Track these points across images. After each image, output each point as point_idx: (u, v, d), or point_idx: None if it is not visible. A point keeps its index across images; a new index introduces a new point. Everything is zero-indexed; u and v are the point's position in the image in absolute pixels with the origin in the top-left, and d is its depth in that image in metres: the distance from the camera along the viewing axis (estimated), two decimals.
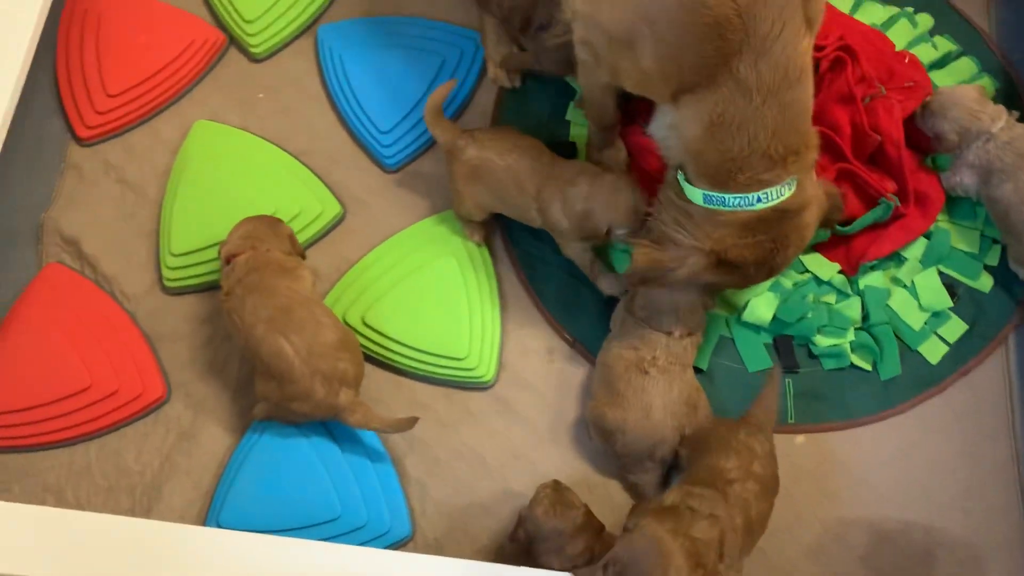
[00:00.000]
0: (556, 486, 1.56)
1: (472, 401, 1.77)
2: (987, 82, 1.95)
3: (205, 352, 1.80)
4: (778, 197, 1.41)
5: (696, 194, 1.45)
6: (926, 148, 1.85)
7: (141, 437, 1.75)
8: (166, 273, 1.83)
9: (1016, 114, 1.77)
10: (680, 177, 1.49)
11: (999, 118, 1.73)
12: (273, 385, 1.58)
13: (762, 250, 1.46)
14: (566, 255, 1.75)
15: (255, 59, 2.04)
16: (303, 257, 1.75)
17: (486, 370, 1.74)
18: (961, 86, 1.84)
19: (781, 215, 1.43)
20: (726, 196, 1.41)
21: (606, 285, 1.75)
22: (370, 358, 1.76)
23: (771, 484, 1.53)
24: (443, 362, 1.75)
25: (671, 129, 1.46)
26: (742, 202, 1.41)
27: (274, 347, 1.55)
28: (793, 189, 1.42)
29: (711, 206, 1.44)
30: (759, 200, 1.41)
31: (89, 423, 1.72)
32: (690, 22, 1.29)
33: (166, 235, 1.85)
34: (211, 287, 1.82)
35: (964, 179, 1.76)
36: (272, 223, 1.71)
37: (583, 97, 1.74)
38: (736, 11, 1.27)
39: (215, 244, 1.78)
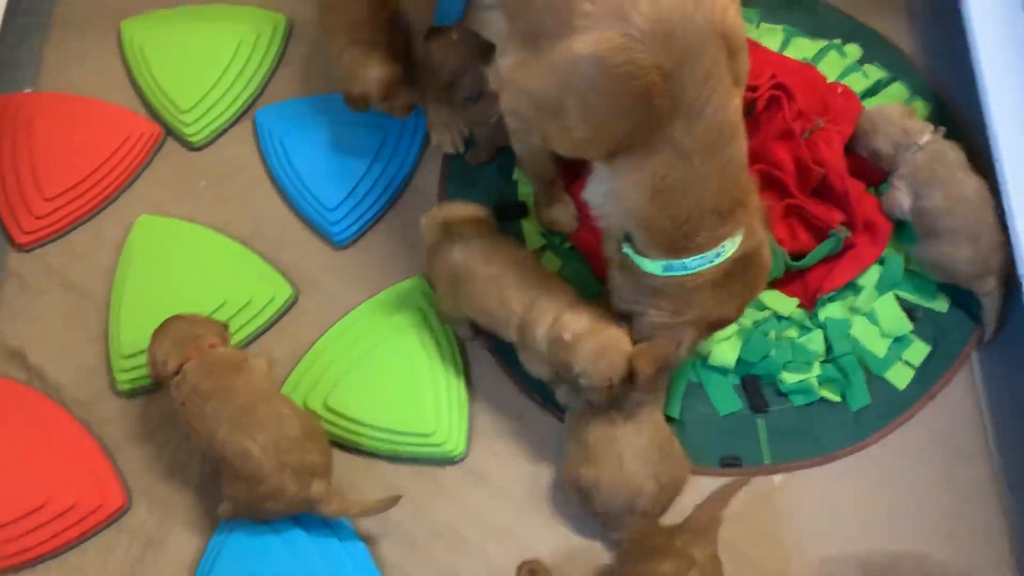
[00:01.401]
0: (531, 573, 1.52)
1: (445, 476, 1.73)
2: (920, 105, 1.98)
3: (164, 453, 1.75)
4: (733, 247, 1.41)
5: (655, 266, 1.43)
6: (869, 177, 1.87)
7: (105, 550, 1.68)
8: (118, 376, 1.78)
9: (943, 129, 1.82)
10: (629, 251, 1.47)
11: (925, 131, 1.79)
12: (242, 486, 1.53)
13: (741, 297, 1.48)
14: (525, 366, 1.66)
15: (194, 148, 2.02)
16: (226, 327, 1.71)
17: (456, 443, 1.71)
18: (887, 104, 1.90)
19: (745, 262, 1.44)
20: (686, 261, 1.40)
21: (563, 396, 1.68)
22: (335, 442, 1.71)
23: None
24: (411, 439, 1.71)
25: (611, 196, 1.44)
26: (702, 262, 1.40)
27: (239, 448, 1.51)
28: (742, 233, 1.43)
29: (672, 274, 1.42)
30: (717, 256, 1.41)
31: (47, 542, 1.64)
32: (618, 92, 1.29)
33: (115, 337, 1.81)
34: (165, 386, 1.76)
35: (898, 195, 1.79)
36: (191, 318, 1.67)
37: (520, 159, 1.73)
38: (663, 78, 1.27)
39: None
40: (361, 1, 1.88)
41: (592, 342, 1.50)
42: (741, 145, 1.38)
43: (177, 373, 1.59)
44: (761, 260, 1.46)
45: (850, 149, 1.87)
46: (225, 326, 1.70)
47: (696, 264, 1.40)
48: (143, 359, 1.76)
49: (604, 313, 1.55)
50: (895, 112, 1.84)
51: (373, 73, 1.80)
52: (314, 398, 1.74)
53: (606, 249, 1.54)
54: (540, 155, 1.65)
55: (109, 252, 1.92)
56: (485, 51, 1.84)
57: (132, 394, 1.79)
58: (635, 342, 1.51)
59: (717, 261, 1.40)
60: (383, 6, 1.86)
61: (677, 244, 1.40)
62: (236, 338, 1.81)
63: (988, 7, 1.86)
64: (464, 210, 1.72)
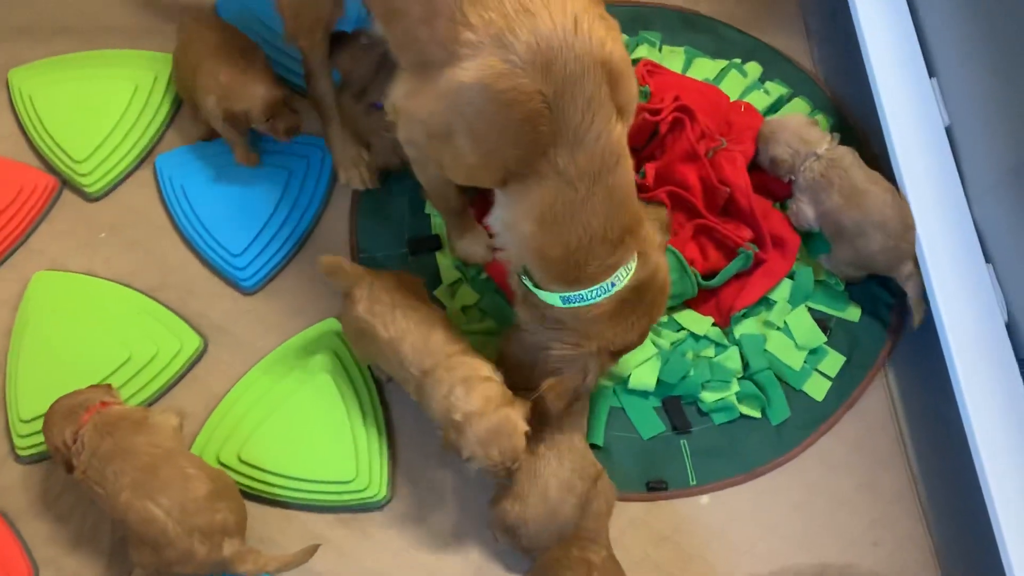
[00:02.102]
0: None
1: (370, 522, 1.68)
2: (821, 119, 2.02)
3: (71, 521, 1.66)
4: (628, 275, 1.42)
5: (553, 298, 1.44)
6: (774, 194, 1.90)
7: None
8: (18, 442, 1.70)
9: (838, 136, 1.86)
10: (528, 284, 1.47)
11: (823, 141, 1.83)
12: (148, 552, 1.47)
13: (641, 324, 1.48)
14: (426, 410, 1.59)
15: (92, 198, 1.95)
16: (110, 387, 1.66)
17: (378, 488, 1.66)
18: (789, 114, 1.94)
19: (640, 290, 1.45)
20: (582, 292, 1.41)
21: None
22: (253, 496, 1.66)
23: None
24: (331, 488, 1.66)
25: (507, 226, 1.45)
26: (599, 292, 1.41)
27: (142, 513, 1.45)
28: (636, 261, 1.44)
29: (571, 305, 1.43)
30: (613, 285, 1.42)
31: None
32: (504, 118, 1.31)
33: (13, 401, 1.72)
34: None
35: (802, 207, 1.82)
36: (71, 393, 1.60)
37: (424, 190, 1.72)
38: (546, 105, 1.29)
39: None
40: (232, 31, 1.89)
41: (482, 426, 1.44)
42: (626, 172, 1.39)
43: (75, 442, 1.52)
44: (657, 284, 1.47)
45: (755, 166, 1.90)
46: (109, 387, 1.64)
47: (593, 295, 1.41)
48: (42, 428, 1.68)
49: (501, 389, 1.49)
50: (795, 120, 1.88)
51: (259, 91, 1.78)
52: (227, 451, 1.68)
53: (511, 283, 1.54)
54: (442, 185, 1.65)
55: (4, 313, 1.83)
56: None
57: (34, 460, 1.71)
58: (544, 376, 1.50)
59: (613, 291, 1.41)
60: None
61: (569, 274, 1.41)
62: (144, 393, 1.75)
63: (879, 22, 1.91)
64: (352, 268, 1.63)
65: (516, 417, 1.46)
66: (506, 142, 1.33)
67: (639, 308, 1.44)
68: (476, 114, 1.32)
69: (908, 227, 1.73)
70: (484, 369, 1.52)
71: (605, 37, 1.31)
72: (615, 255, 1.39)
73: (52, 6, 2.16)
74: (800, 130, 1.84)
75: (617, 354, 1.48)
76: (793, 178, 1.84)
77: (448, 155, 1.42)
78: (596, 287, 1.40)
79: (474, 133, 1.35)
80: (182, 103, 2.04)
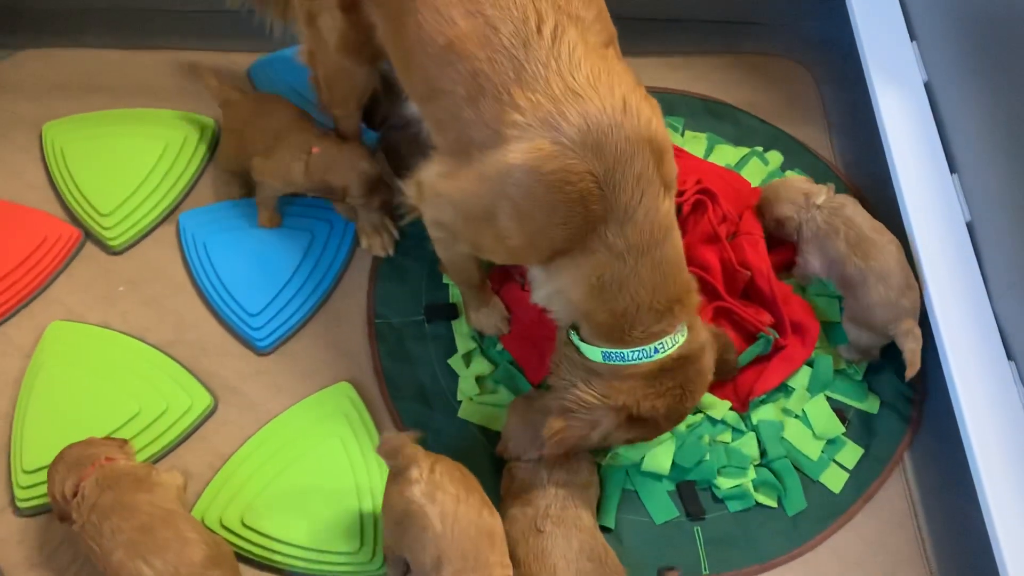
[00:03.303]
0: None
1: None
2: None
3: None
4: (674, 345, 1.42)
5: (595, 352, 1.44)
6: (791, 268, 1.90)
7: None
8: (18, 493, 1.67)
9: (833, 185, 1.88)
10: (575, 337, 1.47)
11: (822, 193, 1.85)
12: None
13: (672, 398, 1.46)
14: None
15: (113, 252, 1.96)
16: (125, 443, 1.63)
17: (382, 561, 1.62)
18: (788, 176, 1.96)
19: (683, 362, 1.44)
20: (624, 351, 1.42)
21: None
22: (253, 561, 1.62)
23: None
24: (335, 558, 1.61)
25: (556, 294, 1.45)
26: (641, 355, 1.41)
27: (134, 575, 1.41)
28: (686, 335, 1.44)
29: (611, 362, 1.43)
30: (656, 351, 1.42)
31: None
32: (554, 198, 1.32)
33: (18, 450, 1.70)
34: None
35: (808, 259, 1.83)
36: (85, 440, 1.59)
37: (444, 265, 1.72)
38: (597, 184, 1.31)
39: None
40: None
41: None
42: (675, 245, 1.41)
43: (76, 495, 1.49)
44: (701, 364, 1.46)
45: (773, 248, 1.90)
46: (124, 442, 1.62)
47: (635, 356, 1.41)
48: (46, 474, 1.65)
49: None
50: (796, 180, 1.91)
51: (362, 166, 1.80)
52: (230, 514, 1.64)
53: (559, 336, 1.53)
54: (464, 260, 1.65)
55: (17, 360, 1.82)
56: None
57: (33, 512, 1.67)
58: (553, 413, 1.48)
59: (655, 356, 1.41)
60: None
61: (614, 335, 1.41)
62: (151, 450, 1.73)
63: (901, 117, 1.94)
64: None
65: None
66: (555, 222, 1.34)
67: (677, 379, 1.44)
68: (523, 195, 1.33)
69: (911, 286, 1.73)
70: None
71: (651, 116, 1.34)
72: (661, 323, 1.40)
73: (88, 64, 2.22)
74: (801, 186, 1.87)
75: (636, 420, 1.45)
76: (800, 233, 1.84)
77: (489, 237, 1.42)
78: (638, 349, 1.41)
79: (521, 214, 1.35)
80: (209, 163, 2.06)
